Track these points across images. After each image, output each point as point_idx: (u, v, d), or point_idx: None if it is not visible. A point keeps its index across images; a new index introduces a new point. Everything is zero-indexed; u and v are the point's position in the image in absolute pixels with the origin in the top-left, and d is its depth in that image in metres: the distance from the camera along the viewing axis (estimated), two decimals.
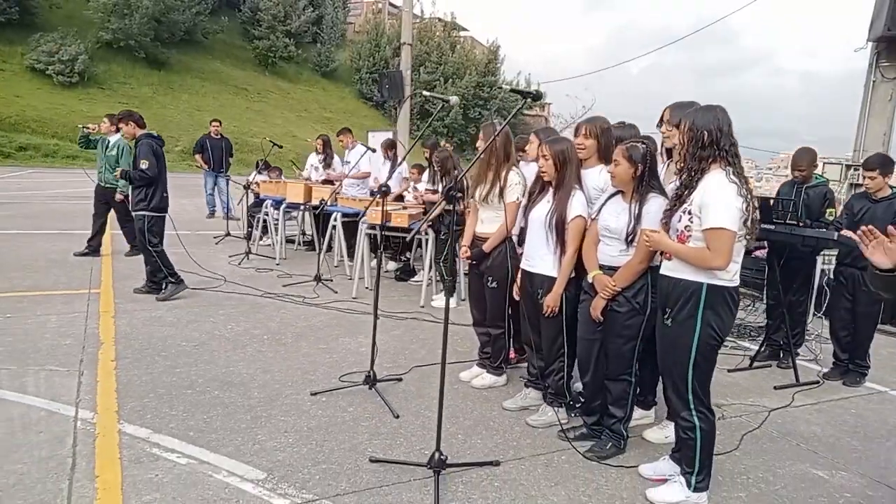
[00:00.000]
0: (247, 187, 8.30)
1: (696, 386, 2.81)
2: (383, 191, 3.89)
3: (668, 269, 2.84)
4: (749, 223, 2.67)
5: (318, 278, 6.75)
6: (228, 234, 9.36)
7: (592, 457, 3.30)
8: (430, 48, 39.74)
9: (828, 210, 4.80)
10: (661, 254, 2.94)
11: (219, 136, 12.14)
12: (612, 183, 3.20)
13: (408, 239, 7.19)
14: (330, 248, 8.80)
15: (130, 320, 5.23)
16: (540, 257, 3.56)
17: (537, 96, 2.93)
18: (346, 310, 5.93)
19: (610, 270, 3.17)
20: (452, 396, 4.07)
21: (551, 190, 3.58)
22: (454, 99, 3.75)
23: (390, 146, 7.91)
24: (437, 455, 2.98)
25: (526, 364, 4.58)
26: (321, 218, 7.22)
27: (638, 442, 3.57)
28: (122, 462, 3.04)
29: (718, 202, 2.63)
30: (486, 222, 4.08)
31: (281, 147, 8.29)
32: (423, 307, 6.20)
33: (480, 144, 4.02)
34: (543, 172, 3.54)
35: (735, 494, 3.11)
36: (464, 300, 6.58)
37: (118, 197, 7.30)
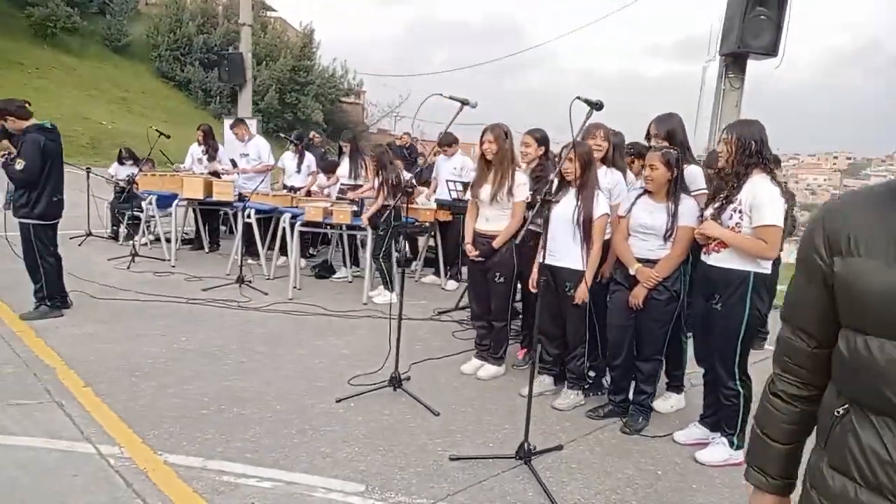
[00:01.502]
0: (129, 184, 7.46)
1: (741, 359, 3.31)
2: (408, 190, 3.88)
3: (718, 260, 3.28)
4: (788, 220, 3.20)
5: (240, 280, 6.36)
6: (90, 234, 8.30)
7: (630, 430, 3.69)
8: (238, 27, 37.54)
9: None
10: (704, 248, 3.38)
11: None
12: (648, 185, 3.57)
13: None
14: (217, 245, 8.29)
15: (62, 340, 4.56)
16: (566, 252, 3.84)
17: (600, 106, 3.18)
18: (292, 312, 5.69)
19: (648, 263, 3.55)
20: (467, 389, 4.22)
21: (572, 190, 3.87)
22: (473, 101, 3.87)
23: (299, 139, 7.61)
24: (526, 445, 3.15)
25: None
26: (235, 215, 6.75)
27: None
28: (203, 495, 2.78)
29: (770, 203, 3.11)
30: (493, 220, 4.25)
31: (168, 137, 7.52)
32: (365, 304, 6.15)
33: (490, 147, 4.15)
34: (567, 173, 3.82)
35: None
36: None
37: None
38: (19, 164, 4.75)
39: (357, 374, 4.25)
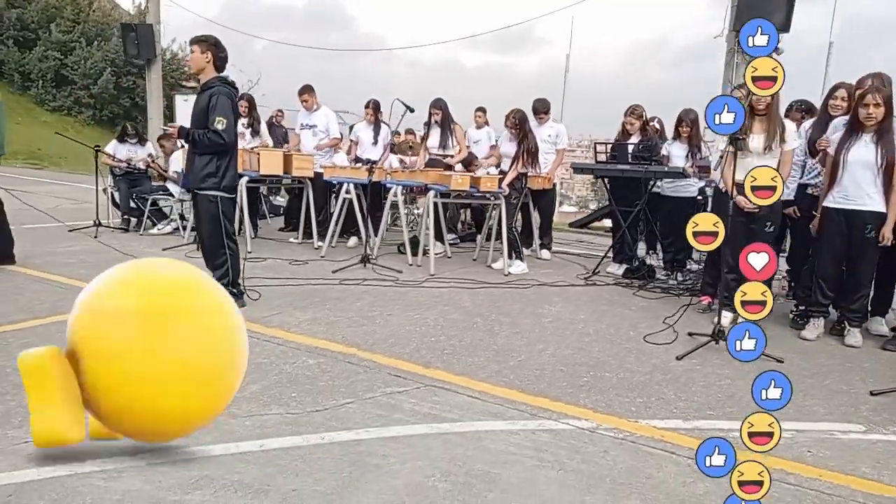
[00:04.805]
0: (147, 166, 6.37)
1: None
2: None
3: None
4: None
5: (365, 259, 5.75)
6: (100, 224, 6.96)
7: None
8: (62, 2, 32.91)
9: None
10: None
11: None
12: None
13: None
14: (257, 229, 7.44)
15: (304, 329, 3.86)
16: (867, 196, 3.99)
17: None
18: (463, 287, 5.25)
19: None
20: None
21: (865, 135, 4.01)
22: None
23: (377, 108, 6.95)
24: None
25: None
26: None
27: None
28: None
29: None
30: None
31: None
32: (507, 275, 5.85)
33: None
34: (870, 118, 3.95)
35: None
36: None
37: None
38: (220, 123, 3.89)
39: (649, 333, 4.11)
